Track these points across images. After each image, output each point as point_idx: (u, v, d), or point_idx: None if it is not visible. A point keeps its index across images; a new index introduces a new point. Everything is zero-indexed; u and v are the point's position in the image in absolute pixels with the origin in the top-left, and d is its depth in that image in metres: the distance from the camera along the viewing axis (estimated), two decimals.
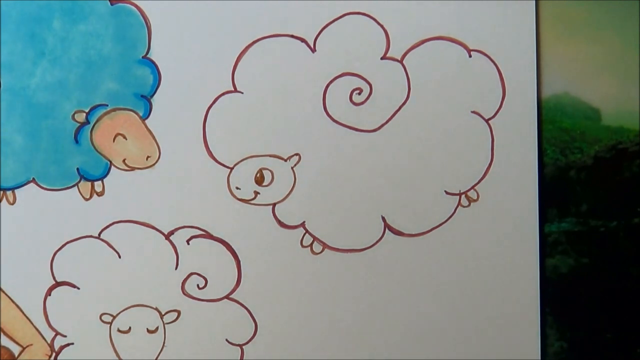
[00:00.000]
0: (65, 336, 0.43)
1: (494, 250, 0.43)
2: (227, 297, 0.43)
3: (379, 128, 0.42)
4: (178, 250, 0.43)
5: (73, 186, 0.42)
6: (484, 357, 0.44)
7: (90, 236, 0.42)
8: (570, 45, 0.43)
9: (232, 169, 0.42)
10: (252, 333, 0.43)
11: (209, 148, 0.42)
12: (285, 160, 0.42)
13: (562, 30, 0.43)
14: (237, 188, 0.42)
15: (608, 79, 0.43)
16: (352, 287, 0.43)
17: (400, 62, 0.42)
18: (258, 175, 0.42)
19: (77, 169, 0.42)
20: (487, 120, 0.43)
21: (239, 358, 0.43)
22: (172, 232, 0.43)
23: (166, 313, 0.43)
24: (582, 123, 0.44)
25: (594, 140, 0.44)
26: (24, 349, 0.43)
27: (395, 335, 0.44)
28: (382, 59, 0.42)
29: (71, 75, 0.41)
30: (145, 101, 0.42)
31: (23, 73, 0.41)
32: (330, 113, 0.42)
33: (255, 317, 0.43)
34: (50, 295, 0.42)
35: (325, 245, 0.43)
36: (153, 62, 0.41)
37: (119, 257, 0.43)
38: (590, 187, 0.44)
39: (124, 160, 0.42)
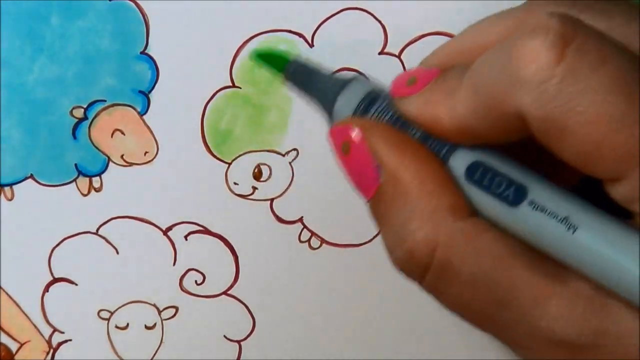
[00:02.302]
0: (63, 332, 0.43)
1: None
2: (225, 293, 0.43)
3: None
4: (176, 246, 0.43)
5: (71, 182, 0.42)
6: (483, 356, 0.44)
7: (88, 232, 0.42)
8: None
9: (230, 164, 0.42)
10: (250, 329, 0.43)
11: (207, 144, 0.42)
12: (283, 156, 0.42)
13: None
14: (235, 183, 0.42)
15: None
16: (351, 283, 0.43)
17: (398, 57, 0.42)
18: (256, 170, 0.42)
19: (75, 164, 0.42)
20: None
21: (237, 354, 0.43)
22: (170, 228, 0.43)
23: (164, 309, 0.43)
24: None
25: None
26: (21, 345, 0.43)
27: (393, 331, 0.43)
28: (379, 54, 0.42)
29: (69, 71, 0.41)
30: (143, 97, 0.42)
31: (21, 69, 0.41)
32: None
33: (253, 313, 0.43)
34: (48, 291, 0.42)
35: (323, 241, 0.43)
36: (151, 58, 0.42)
37: (117, 253, 0.42)
38: None
39: (122, 156, 0.42)
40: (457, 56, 0.30)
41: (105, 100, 0.42)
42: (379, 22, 0.42)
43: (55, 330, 0.43)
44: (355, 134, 0.28)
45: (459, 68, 0.27)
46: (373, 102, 0.29)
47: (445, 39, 0.42)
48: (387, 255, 0.28)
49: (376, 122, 0.28)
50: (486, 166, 0.26)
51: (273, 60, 0.34)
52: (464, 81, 0.26)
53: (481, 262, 0.26)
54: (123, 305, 0.43)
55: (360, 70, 0.42)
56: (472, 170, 0.26)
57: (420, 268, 0.27)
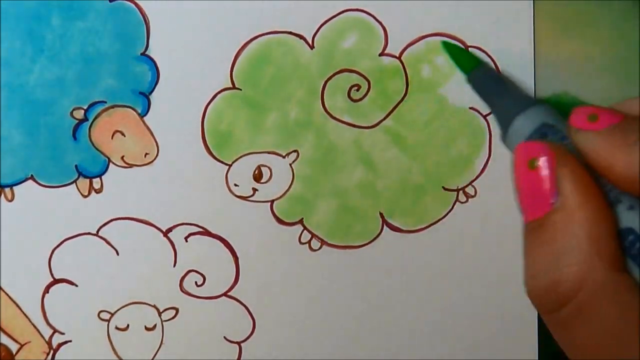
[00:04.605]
0: (63, 333, 0.43)
1: (492, 246, 0.43)
2: (225, 294, 0.43)
3: (377, 124, 0.42)
4: (176, 248, 0.43)
5: (71, 183, 0.42)
6: (481, 356, 0.44)
7: (89, 233, 0.42)
8: (569, 45, 0.43)
9: (230, 165, 0.42)
10: (250, 330, 0.43)
11: (207, 145, 0.42)
12: (284, 157, 0.42)
13: (562, 29, 0.43)
14: (236, 185, 0.42)
15: (608, 79, 0.43)
16: (351, 284, 0.43)
17: (399, 58, 0.42)
18: (256, 172, 0.42)
19: (76, 165, 0.42)
20: (484, 117, 0.43)
21: (237, 355, 0.43)
22: (170, 229, 0.43)
23: (164, 310, 0.43)
24: None
25: None
26: (22, 346, 0.43)
27: (393, 333, 0.43)
28: (380, 55, 0.42)
29: (69, 72, 0.41)
30: (143, 98, 0.42)
31: (21, 70, 0.41)
32: (328, 109, 0.42)
33: (253, 315, 0.43)
34: (48, 292, 0.42)
35: (323, 242, 0.43)
36: (151, 59, 0.42)
37: (117, 254, 0.42)
38: None
39: (122, 157, 0.42)
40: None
41: (105, 102, 0.42)
42: (380, 23, 0.42)
43: (55, 331, 0.43)
44: (547, 157, 0.29)
45: None
46: (550, 130, 0.30)
47: (445, 39, 0.42)
48: (523, 274, 0.29)
49: (570, 153, 0.29)
50: (637, 234, 0.27)
51: (461, 58, 0.35)
52: None
53: (622, 317, 0.26)
54: (123, 307, 0.43)
55: (361, 72, 0.42)
56: (624, 235, 0.28)
57: (559, 300, 0.28)
